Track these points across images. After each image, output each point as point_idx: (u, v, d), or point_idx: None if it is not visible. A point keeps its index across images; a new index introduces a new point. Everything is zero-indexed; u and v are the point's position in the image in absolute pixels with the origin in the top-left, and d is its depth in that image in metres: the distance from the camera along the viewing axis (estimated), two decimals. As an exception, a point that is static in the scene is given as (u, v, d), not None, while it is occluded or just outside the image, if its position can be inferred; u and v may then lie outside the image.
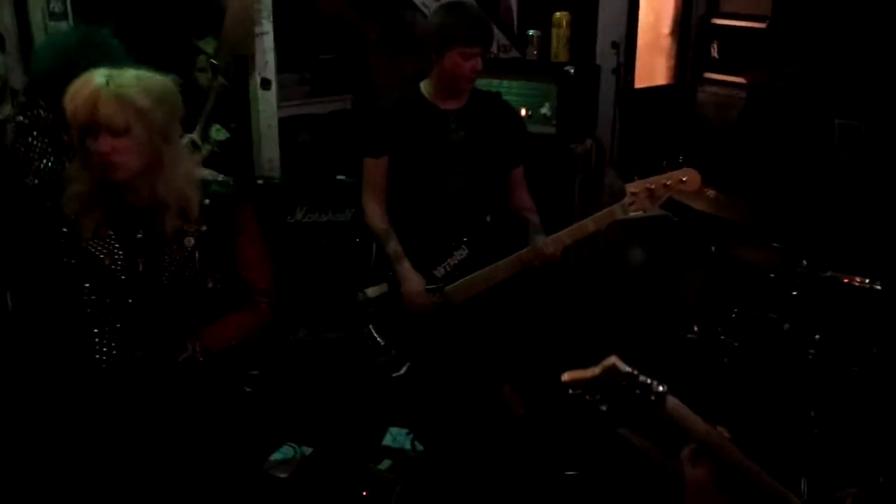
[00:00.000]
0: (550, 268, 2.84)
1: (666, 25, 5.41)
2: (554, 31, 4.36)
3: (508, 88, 4.06)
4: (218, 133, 3.63)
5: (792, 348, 2.99)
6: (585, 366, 1.33)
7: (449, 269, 2.93)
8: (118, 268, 2.07)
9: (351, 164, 3.31)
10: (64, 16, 3.48)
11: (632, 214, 2.70)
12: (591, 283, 4.04)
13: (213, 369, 2.13)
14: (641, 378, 1.30)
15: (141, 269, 2.08)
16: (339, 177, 3.84)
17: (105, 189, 2.04)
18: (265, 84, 3.95)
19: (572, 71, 4.09)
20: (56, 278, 2.10)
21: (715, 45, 5.12)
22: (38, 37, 3.52)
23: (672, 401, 1.34)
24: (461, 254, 2.94)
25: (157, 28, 2.66)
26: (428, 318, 2.87)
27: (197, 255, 2.10)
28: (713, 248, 3.49)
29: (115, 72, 1.98)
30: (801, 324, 3.01)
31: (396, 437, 3.10)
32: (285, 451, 2.97)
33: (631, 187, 2.67)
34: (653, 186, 2.66)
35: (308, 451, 2.99)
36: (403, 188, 2.96)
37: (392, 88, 3.66)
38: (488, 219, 3.10)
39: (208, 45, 3.97)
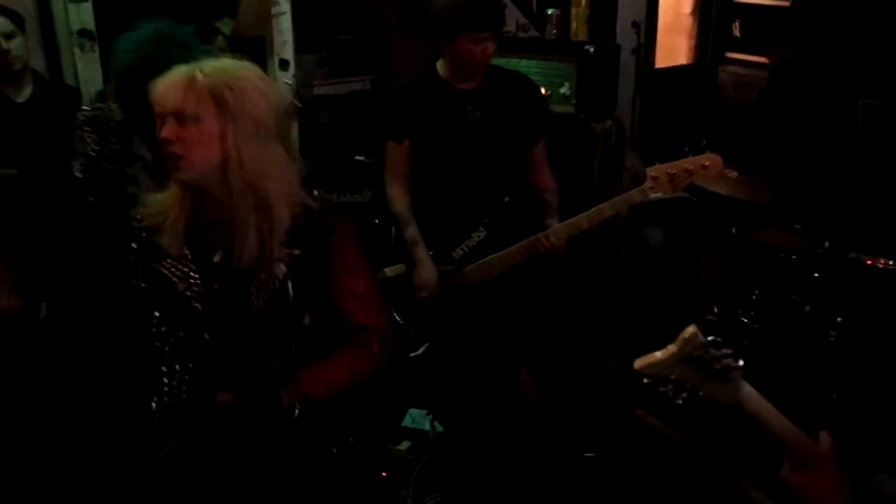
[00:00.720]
0: (556, 256, 2.81)
1: (687, 4, 5.35)
2: (573, 9, 4.33)
3: (527, 68, 4.02)
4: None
5: (813, 331, 2.97)
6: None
7: (467, 251, 2.93)
8: (194, 295, 1.72)
9: (370, 144, 3.32)
10: (84, -3, 3.49)
11: (652, 198, 2.67)
12: (611, 265, 4.03)
13: (309, 426, 1.75)
14: (719, 351, 1.34)
15: (221, 298, 1.72)
16: (357, 157, 3.84)
17: (187, 199, 1.73)
18: (283, 65, 3.95)
19: (592, 50, 4.05)
20: (120, 303, 1.77)
21: (737, 24, 5.06)
22: (59, 19, 3.54)
23: (747, 388, 1.38)
24: (479, 235, 2.93)
25: (173, 9, 2.65)
26: (442, 301, 2.87)
27: (290, 284, 1.72)
28: (733, 230, 3.46)
29: (207, 60, 1.69)
30: (823, 306, 2.99)
31: (416, 418, 3.12)
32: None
33: (651, 171, 2.64)
34: (674, 171, 2.63)
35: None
36: (422, 169, 2.95)
37: (411, 69, 3.65)
38: (507, 200, 3.06)
39: (225, 26, 3.97)
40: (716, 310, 3.33)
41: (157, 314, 1.72)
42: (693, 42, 5.38)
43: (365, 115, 4.29)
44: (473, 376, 3.06)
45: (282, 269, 1.70)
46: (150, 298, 1.72)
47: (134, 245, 1.74)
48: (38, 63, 3.46)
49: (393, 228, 3.06)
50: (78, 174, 2.66)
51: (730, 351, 1.36)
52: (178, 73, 1.65)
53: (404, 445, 3.01)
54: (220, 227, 1.70)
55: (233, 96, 1.62)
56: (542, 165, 3.02)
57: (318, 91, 4.50)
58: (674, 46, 5.34)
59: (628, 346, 3.56)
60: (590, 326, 3.74)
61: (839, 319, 2.92)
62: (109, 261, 1.75)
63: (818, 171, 3.59)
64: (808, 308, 3.03)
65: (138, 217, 1.77)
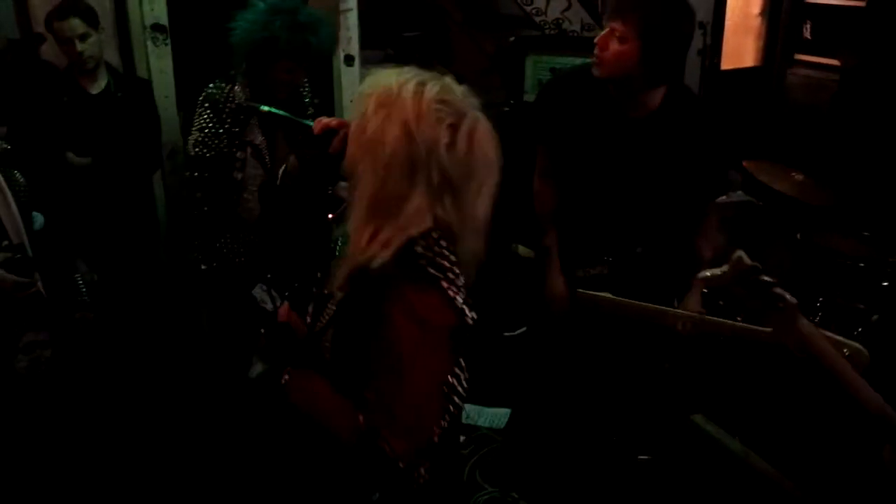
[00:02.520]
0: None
1: (756, 5, 5.25)
2: (639, 9, 4.28)
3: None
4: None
5: (880, 340, 2.89)
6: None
7: (587, 276, 2.70)
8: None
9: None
10: (157, -8, 3.58)
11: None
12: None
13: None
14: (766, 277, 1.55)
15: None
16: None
17: None
18: (348, 60, 4.00)
19: (657, 51, 4.00)
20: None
21: (807, 26, 4.95)
22: (133, 13, 3.64)
23: (807, 323, 1.53)
24: (602, 270, 2.70)
25: (241, 4, 2.70)
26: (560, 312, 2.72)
27: (330, 331, 1.56)
28: (798, 235, 3.39)
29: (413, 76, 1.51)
30: (891, 315, 2.91)
31: (469, 413, 3.13)
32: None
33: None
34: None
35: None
36: (570, 181, 2.66)
37: (473, 67, 3.64)
38: (639, 251, 2.70)
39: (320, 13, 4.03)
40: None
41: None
42: (761, 44, 5.28)
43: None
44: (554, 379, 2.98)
45: (331, 310, 1.57)
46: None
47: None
48: (112, 56, 3.56)
49: None
50: (191, 151, 2.72)
51: (776, 280, 1.59)
52: (376, 76, 1.53)
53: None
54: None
55: (380, 109, 1.46)
56: (711, 224, 2.60)
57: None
58: (741, 48, 5.25)
59: (684, 348, 3.52)
60: (645, 327, 3.69)
61: (908, 330, 2.85)
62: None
63: (888, 176, 3.50)
64: (875, 317, 2.96)
65: None
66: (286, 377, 1.56)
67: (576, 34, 4.43)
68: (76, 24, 3.13)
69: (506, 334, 2.84)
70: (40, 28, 3.39)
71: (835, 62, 4.52)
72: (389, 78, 1.48)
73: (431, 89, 1.46)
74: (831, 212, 3.36)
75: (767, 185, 3.34)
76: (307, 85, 2.95)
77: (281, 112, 2.37)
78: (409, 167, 1.42)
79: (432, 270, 1.45)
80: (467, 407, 3.14)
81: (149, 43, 3.64)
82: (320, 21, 2.64)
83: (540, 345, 2.85)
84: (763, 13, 5.22)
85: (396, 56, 4.77)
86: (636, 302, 2.44)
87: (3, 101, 3.16)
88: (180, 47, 3.74)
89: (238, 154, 2.72)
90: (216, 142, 2.69)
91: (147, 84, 3.60)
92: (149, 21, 3.61)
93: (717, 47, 4.90)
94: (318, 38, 2.64)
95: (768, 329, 2.25)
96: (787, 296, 1.66)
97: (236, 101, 2.70)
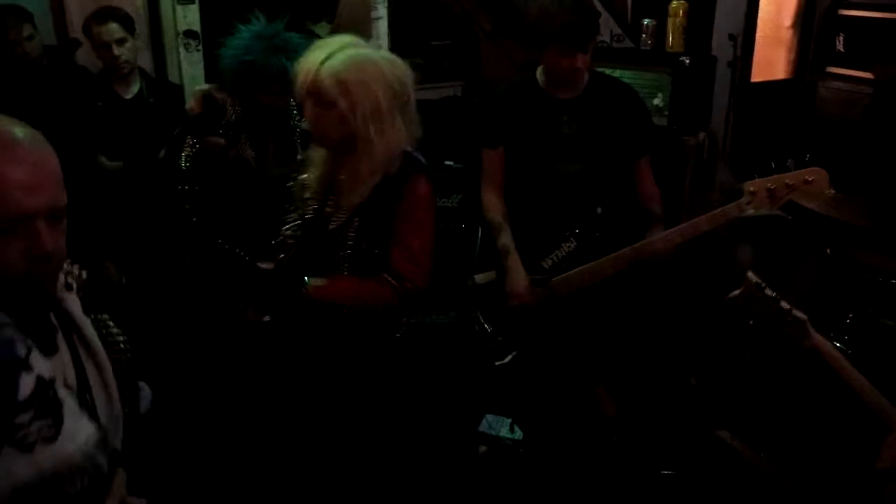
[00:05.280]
0: (659, 265, 2.77)
1: (788, 17, 5.20)
2: (670, 20, 4.26)
3: (621, 78, 3.98)
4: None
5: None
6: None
7: (557, 261, 2.90)
8: (312, 205, 2.20)
9: (460, 150, 3.33)
10: (191, 0, 3.63)
11: (749, 213, 2.58)
12: (698, 281, 3.95)
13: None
14: (772, 292, 1.92)
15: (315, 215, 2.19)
16: (447, 162, 3.87)
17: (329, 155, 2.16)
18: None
19: (687, 62, 3.99)
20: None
21: (840, 38, 4.89)
22: (167, 20, 3.69)
23: (818, 336, 1.80)
24: (569, 246, 2.90)
25: (273, 13, 2.74)
26: (532, 309, 2.86)
27: (356, 220, 2.11)
28: (829, 250, 3.35)
29: (337, 51, 2.01)
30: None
31: (493, 423, 3.12)
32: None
33: (749, 185, 2.56)
34: (773, 186, 2.53)
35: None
36: (515, 177, 2.94)
37: (502, 76, 3.66)
38: (599, 211, 3.02)
39: (323, 30, 4.07)
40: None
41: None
42: (793, 56, 5.22)
43: (455, 120, 4.32)
44: (555, 388, 3.04)
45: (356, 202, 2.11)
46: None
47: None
48: (145, 61, 3.61)
49: (479, 234, 3.07)
50: (182, 165, 2.78)
51: (777, 294, 1.98)
52: (318, 61, 2.00)
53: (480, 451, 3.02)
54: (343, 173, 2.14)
55: (359, 82, 1.97)
56: (646, 176, 2.96)
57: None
58: (772, 60, 5.20)
59: (711, 362, 3.49)
60: (672, 342, 3.67)
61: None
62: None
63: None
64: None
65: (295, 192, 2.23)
66: (309, 289, 2.05)
67: (605, 45, 4.42)
68: (114, 29, 3.18)
69: (497, 363, 2.86)
70: (76, 34, 3.45)
71: (868, 75, 4.47)
72: (339, 62, 1.98)
73: (377, 52, 2.07)
74: (862, 227, 3.31)
75: (796, 202, 3.30)
76: (295, 108, 2.97)
77: None
78: (396, 107, 2.04)
79: (422, 162, 2.15)
80: (490, 417, 3.15)
81: (181, 49, 3.69)
82: (298, 45, 2.68)
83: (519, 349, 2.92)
84: (795, 25, 5.16)
85: (426, 65, 4.79)
86: (610, 256, 2.77)
87: (39, 105, 3.21)
88: (212, 53, 3.78)
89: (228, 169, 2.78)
90: (207, 157, 2.74)
91: (179, 89, 3.65)
92: (182, 27, 3.66)
93: (747, 59, 4.85)
94: (297, 62, 2.70)
95: (734, 207, 2.58)
96: (795, 310, 2.04)
97: (228, 119, 2.79)
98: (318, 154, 2.20)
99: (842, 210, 3.31)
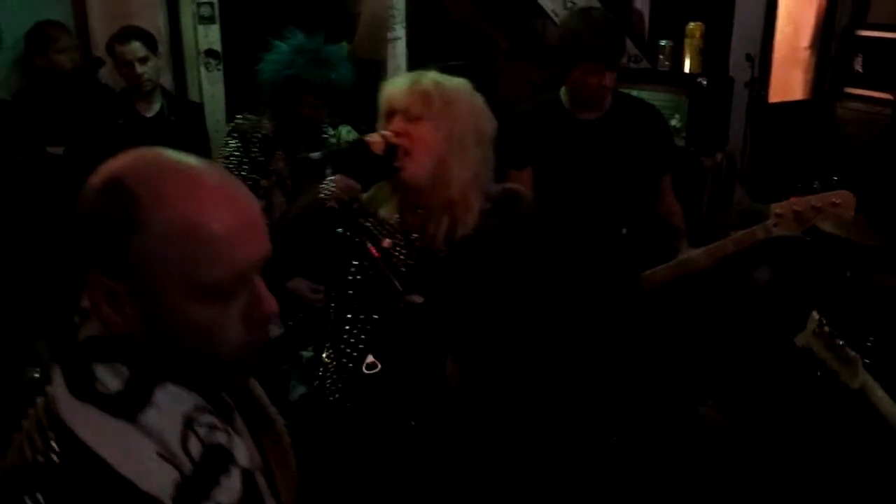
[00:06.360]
0: (696, 280, 2.73)
1: (805, 37, 5.19)
2: (687, 41, 4.27)
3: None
4: (349, 134, 3.75)
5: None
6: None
7: None
8: (397, 253, 1.92)
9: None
10: (212, 19, 3.68)
11: (775, 235, 2.56)
12: (714, 302, 3.93)
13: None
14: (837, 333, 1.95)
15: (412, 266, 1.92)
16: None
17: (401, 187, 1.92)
18: (395, 88, 4.04)
19: (705, 83, 3.99)
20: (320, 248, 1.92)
21: (859, 59, 4.88)
22: (188, 39, 3.74)
23: (867, 376, 1.82)
24: None
25: (285, 25, 2.79)
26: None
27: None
28: (848, 273, 3.32)
29: (428, 73, 1.91)
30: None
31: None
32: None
33: (776, 208, 2.52)
34: (800, 208, 2.49)
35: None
36: (540, 198, 2.92)
37: (519, 96, 3.67)
38: (624, 231, 2.98)
39: (342, 50, 4.10)
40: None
41: (355, 263, 1.90)
42: (810, 76, 5.21)
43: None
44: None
45: None
46: (353, 248, 1.90)
47: (353, 206, 1.91)
48: (165, 80, 3.65)
49: None
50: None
51: (842, 341, 1.95)
52: (408, 76, 1.92)
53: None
54: (420, 212, 1.91)
55: (446, 106, 1.85)
56: (669, 194, 2.99)
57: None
58: (789, 81, 5.19)
59: (730, 386, 3.46)
60: (691, 365, 3.64)
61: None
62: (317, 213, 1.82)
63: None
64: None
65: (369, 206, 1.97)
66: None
67: (622, 65, 4.43)
68: (137, 48, 3.23)
69: None
70: (99, 52, 3.50)
71: (887, 96, 4.45)
72: (426, 81, 1.86)
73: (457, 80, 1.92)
74: (881, 250, 3.29)
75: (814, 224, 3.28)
76: (328, 120, 3.05)
77: (328, 150, 2.49)
78: (483, 139, 1.89)
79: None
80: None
81: (202, 68, 3.73)
82: (341, 58, 2.74)
83: None
84: (812, 46, 5.16)
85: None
86: (643, 274, 2.69)
87: (63, 123, 3.25)
88: (232, 72, 3.83)
89: (262, 182, 2.80)
90: (240, 169, 2.77)
91: (199, 108, 3.68)
92: (203, 47, 3.70)
93: (764, 80, 4.85)
94: (339, 74, 2.80)
95: (761, 229, 2.53)
96: (848, 349, 2.00)
97: (263, 133, 2.82)
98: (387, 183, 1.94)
99: (861, 232, 3.29)
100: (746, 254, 2.78)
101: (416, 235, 1.92)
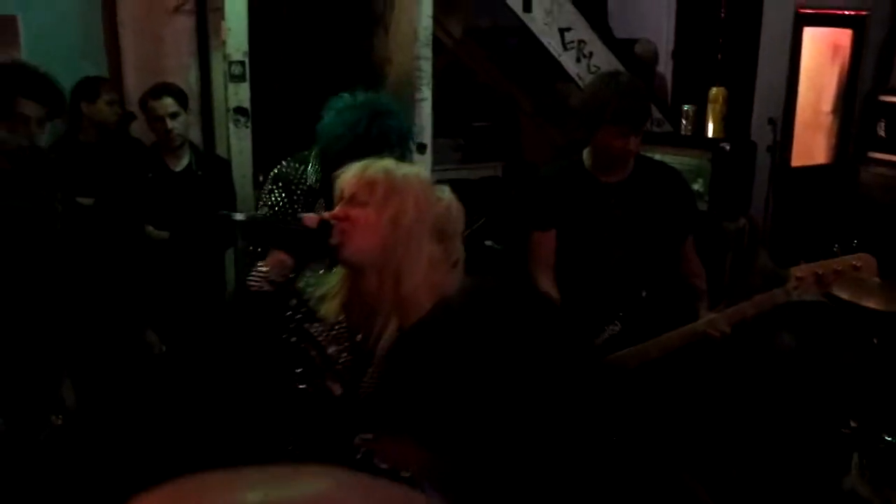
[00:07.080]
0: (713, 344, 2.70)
1: (827, 102, 5.23)
2: (710, 106, 4.30)
3: (660, 162, 4.03)
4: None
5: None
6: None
7: (601, 344, 2.85)
8: (341, 359, 1.83)
9: (500, 230, 3.34)
10: (242, 78, 3.76)
11: (795, 299, 2.54)
12: (738, 367, 3.88)
13: None
14: None
15: (350, 369, 1.82)
16: (487, 242, 3.88)
17: (348, 279, 1.82)
18: (421, 149, 4.09)
19: (728, 147, 4.01)
20: (267, 354, 1.90)
21: (882, 123, 4.90)
22: (218, 96, 3.82)
23: None
24: (614, 329, 2.86)
25: (323, 90, 2.82)
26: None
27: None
28: (875, 340, 3.27)
29: (384, 161, 1.82)
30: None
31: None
32: None
33: (797, 271, 2.51)
34: (821, 272, 2.49)
35: None
36: (562, 260, 2.92)
37: (542, 157, 3.70)
38: (644, 294, 2.99)
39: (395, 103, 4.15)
40: (853, 423, 3.12)
41: (298, 370, 1.83)
42: (833, 141, 5.23)
43: (495, 200, 4.37)
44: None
45: None
46: (297, 355, 1.84)
47: (294, 302, 1.86)
48: (194, 135, 3.73)
49: None
50: (240, 217, 2.76)
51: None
52: (359, 164, 1.81)
53: None
54: (365, 309, 1.79)
55: (392, 192, 1.74)
56: (692, 257, 2.96)
57: (451, 175, 4.60)
58: (812, 145, 5.21)
59: (755, 453, 3.40)
60: (707, 428, 3.58)
61: None
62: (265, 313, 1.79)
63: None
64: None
65: (304, 283, 1.89)
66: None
67: (647, 130, 4.47)
68: (169, 103, 3.30)
69: None
70: (132, 107, 3.58)
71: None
72: (375, 168, 1.78)
73: (411, 169, 1.82)
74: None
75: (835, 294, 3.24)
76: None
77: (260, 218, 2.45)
78: (441, 236, 1.76)
79: None
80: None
81: (231, 125, 3.79)
82: (399, 112, 2.72)
83: None
84: (835, 110, 5.19)
85: (467, 145, 4.87)
86: (661, 337, 2.69)
87: (94, 175, 3.32)
88: (259, 129, 3.90)
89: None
90: (281, 221, 2.76)
91: (227, 163, 3.74)
92: (232, 104, 3.77)
93: (787, 144, 4.88)
94: (401, 125, 2.72)
95: (781, 292, 2.50)
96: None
97: (308, 184, 2.79)
98: (334, 274, 1.87)
99: (885, 297, 3.25)
100: (767, 317, 2.76)
101: (360, 337, 1.81)
